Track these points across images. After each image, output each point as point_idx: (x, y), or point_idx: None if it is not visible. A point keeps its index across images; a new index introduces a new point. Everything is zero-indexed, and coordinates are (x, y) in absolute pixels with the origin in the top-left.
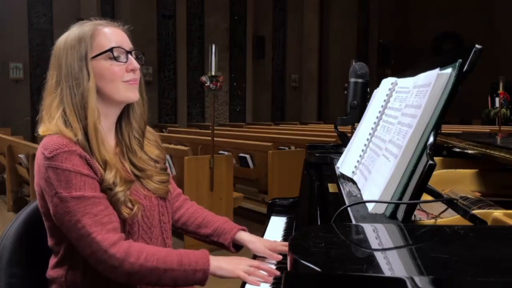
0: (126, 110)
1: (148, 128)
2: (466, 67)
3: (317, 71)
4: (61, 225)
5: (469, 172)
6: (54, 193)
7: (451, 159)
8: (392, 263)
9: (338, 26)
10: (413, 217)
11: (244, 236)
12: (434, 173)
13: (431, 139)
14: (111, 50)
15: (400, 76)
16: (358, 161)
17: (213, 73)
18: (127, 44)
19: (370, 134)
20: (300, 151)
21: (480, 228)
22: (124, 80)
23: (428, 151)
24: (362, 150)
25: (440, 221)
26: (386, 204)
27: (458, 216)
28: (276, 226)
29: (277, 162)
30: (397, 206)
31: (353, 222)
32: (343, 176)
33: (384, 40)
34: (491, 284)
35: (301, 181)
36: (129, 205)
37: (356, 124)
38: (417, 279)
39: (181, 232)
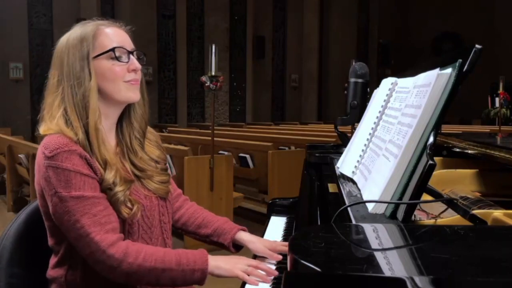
0: (127, 110)
1: (149, 128)
2: (466, 67)
3: (317, 71)
4: (60, 224)
5: (469, 172)
6: (54, 192)
7: (451, 159)
8: (392, 263)
9: (338, 26)
10: (413, 217)
11: (244, 236)
12: (434, 173)
13: (431, 139)
14: (113, 50)
15: (400, 76)
16: (358, 161)
17: (213, 73)
18: (129, 45)
19: (370, 134)
20: (300, 151)
21: (480, 228)
22: (126, 80)
23: (428, 151)
24: (362, 150)
25: (440, 221)
26: (386, 204)
27: (458, 216)
28: (276, 226)
29: (277, 162)
30: (397, 206)
31: (353, 222)
32: (343, 176)
33: (384, 40)
34: (491, 284)
35: (301, 181)
36: (129, 205)
37: (356, 124)
38: (417, 279)
39: (181, 232)
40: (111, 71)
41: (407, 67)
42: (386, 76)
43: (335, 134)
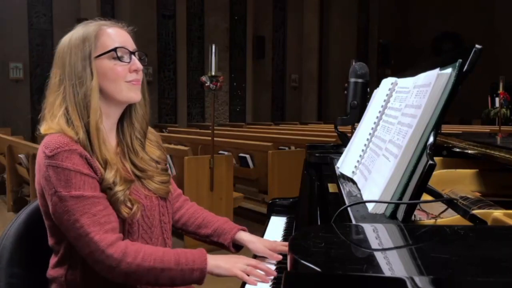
0: (128, 111)
1: (150, 128)
2: (466, 67)
3: (317, 71)
4: (60, 224)
5: (469, 172)
6: (54, 191)
7: (451, 159)
8: (392, 263)
9: (338, 26)
10: (413, 217)
11: (244, 236)
12: (434, 173)
13: (431, 139)
14: (115, 50)
15: (400, 76)
16: (358, 161)
17: (213, 73)
18: (131, 45)
19: (370, 134)
20: (300, 151)
21: (480, 228)
22: (127, 80)
23: (428, 151)
24: (362, 150)
25: (440, 221)
26: (386, 204)
27: (458, 216)
28: (276, 226)
29: (277, 162)
30: (397, 206)
31: (353, 222)
32: (343, 176)
33: (384, 40)
34: (491, 284)
35: (301, 181)
36: (129, 204)
37: (356, 124)
38: (417, 279)
39: (181, 233)
40: (112, 71)
41: (407, 67)
42: (386, 76)
43: (335, 134)
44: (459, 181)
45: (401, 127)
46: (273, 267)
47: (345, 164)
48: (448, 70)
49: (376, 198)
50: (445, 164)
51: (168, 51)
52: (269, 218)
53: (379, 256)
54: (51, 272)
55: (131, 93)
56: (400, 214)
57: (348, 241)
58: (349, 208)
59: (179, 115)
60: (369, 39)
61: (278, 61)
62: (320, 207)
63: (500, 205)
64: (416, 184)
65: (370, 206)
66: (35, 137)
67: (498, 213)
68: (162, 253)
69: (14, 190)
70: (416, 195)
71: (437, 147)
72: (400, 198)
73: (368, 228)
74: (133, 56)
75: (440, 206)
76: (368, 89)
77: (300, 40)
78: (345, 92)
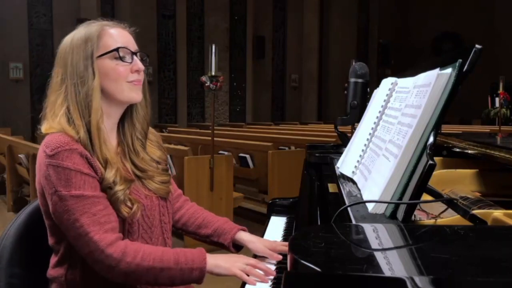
0: (129, 111)
1: (150, 129)
2: (466, 67)
3: (317, 71)
4: (60, 223)
5: (469, 172)
6: (54, 191)
7: (451, 159)
8: (392, 263)
9: (338, 26)
10: (413, 217)
11: (244, 236)
12: (434, 173)
13: (431, 139)
14: (117, 50)
15: (400, 76)
16: (358, 161)
17: (213, 73)
18: (133, 45)
19: (370, 134)
20: (300, 151)
21: (480, 228)
22: (128, 81)
23: (428, 151)
24: (362, 150)
25: (440, 221)
26: (386, 204)
27: (458, 216)
28: (276, 226)
29: (277, 162)
30: (397, 206)
31: (353, 222)
32: (343, 176)
33: (384, 40)
34: (491, 284)
35: (301, 181)
36: (129, 204)
37: (356, 124)
38: (417, 279)
39: (181, 233)
40: (114, 71)
41: (407, 67)
42: (386, 76)
43: (335, 134)
44: (459, 181)
45: (401, 127)
46: (273, 267)
47: (345, 164)
48: (448, 70)
49: (376, 198)
50: (445, 164)
51: (168, 51)
52: (269, 218)
53: (379, 256)
54: (51, 272)
55: (132, 93)
56: (400, 214)
57: (348, 241)
58: (349, 208)
59: (179, 115)
60: (369, 39)
61: (278, 61)
62: (320, 207)
63: (500, 205)
64: (416, 184)
65: (370, 206)
66: (35, 137)
67: (498, 213)
68: (162, 253)
69: (14, 190)
70: (416, 195)
71: (437, 147)
72: (400, 198)
73: (368, 228)
74: (135, 57)
75: (440, 206)
76: (368, 89)
77: (300, 40)
78: (345, 92)
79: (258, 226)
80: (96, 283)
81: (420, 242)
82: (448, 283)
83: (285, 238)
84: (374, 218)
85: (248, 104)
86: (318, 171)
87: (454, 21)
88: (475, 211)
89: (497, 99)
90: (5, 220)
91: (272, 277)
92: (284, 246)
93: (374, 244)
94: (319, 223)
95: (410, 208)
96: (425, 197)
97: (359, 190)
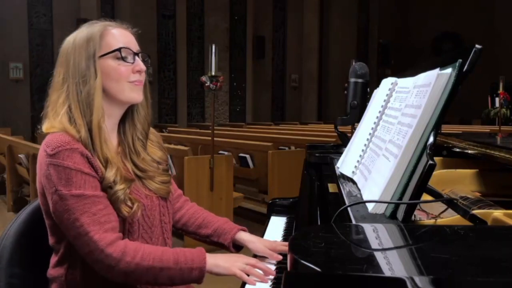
0: (130, 112)
1: (151, 129)
2: (466, 67)
3: (317, 71)
4: (60, 223)
5: (469, 172)
6: (54, 190)
7: (451, 159)
8: (392, 263)
9: (338, 26)
10: (413, 217)
11: (244, 236)
12: (434, 173)
13: (431, 139)
14: (119, 50)
15: (400, 76)
16: (358, 161)
17: (213, 73)
18: (135, 46)
19: (370, 134)
20: (300, 151)
21: (480, 228)
22: (130, 81)
23: (428, 151)
24: (362, 150)
25: (440, 221)
26: (386, 204)
27: (458, 216)
28: (276, 226)
29: (277, 162)
30: (397, 206)
31: (353, 222)
32: (343, 176)
33: (384, 40)
34: (491, 284)
35: (301, 181)
36: (129, 203)
37: (356, 124)
38: (417, 279)
39: (181, 233)
40: (116, 71)
41: (407, 67)
42: (386, 76)
43: (335, 134)
44: (459, 181)
45: (401, 127)
46: (273, 267)
47: (345, 164)
48: (448, 70)
49: (376, 198)
50: (445, 164)
51: (168, 51)
52: (269, 218)
53: (379, 256)
54: (51, 272)
55: (133, 94)
56: (400, 214)
57: (348, 241)
58: (349, 208)
59: (179, 115)
60: (369, 39)
61: (278, 61)
62: (320, 207)
63: (500, 205)
64: (416, 184)
65: (370, 206)
66: (35, 137)
67: (498, 213)
68: (161, 252)
69: (14, 190)
70: (416, 195)
71: (437, 147)
72: (400, 198)
73: (368, 228)
74: (136, 57)
75: (440, 206)
76: (368, 89)
77: (300, 40)
78: (345, 92)
79: (258, 226)
80: (96, 283)
81: (420, 242)
82: (448, 283)
83: (285, 238)
84: (374, 218)
85: (248, 104)
86: (318, 171)
87: (454, 21)
88: (475, 211)
89: (497, 99)
90: (5, 220)
91: (272, 277)
92: (284, 246)
93: (374, 244)
94: (319, 223)
95: (410, 208)
96: (425, 197)
97: (359, 190)
